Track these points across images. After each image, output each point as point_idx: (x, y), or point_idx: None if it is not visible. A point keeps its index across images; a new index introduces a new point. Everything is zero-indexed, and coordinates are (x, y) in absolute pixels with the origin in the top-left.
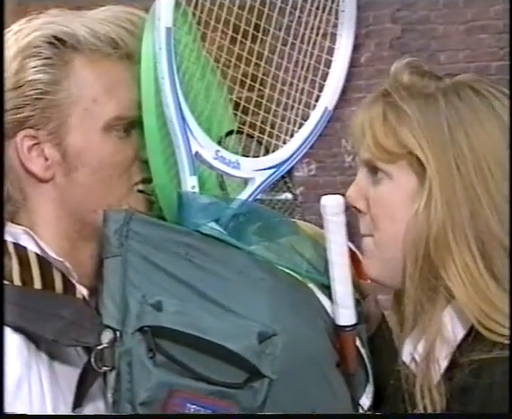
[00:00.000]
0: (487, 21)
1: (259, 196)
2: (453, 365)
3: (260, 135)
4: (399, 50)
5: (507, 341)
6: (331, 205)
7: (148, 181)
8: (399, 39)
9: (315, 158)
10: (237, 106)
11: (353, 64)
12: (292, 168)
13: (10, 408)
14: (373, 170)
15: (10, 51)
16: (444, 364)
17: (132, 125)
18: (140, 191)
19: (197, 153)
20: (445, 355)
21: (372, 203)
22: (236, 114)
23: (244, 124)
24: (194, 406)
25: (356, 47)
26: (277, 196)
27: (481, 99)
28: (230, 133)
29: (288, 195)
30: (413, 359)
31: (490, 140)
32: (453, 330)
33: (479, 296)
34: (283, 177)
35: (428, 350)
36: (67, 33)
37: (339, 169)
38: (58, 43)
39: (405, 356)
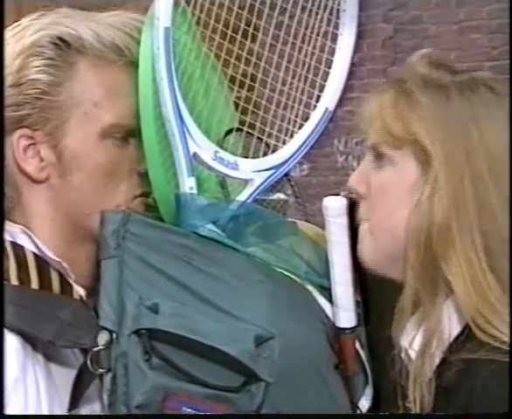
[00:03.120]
0: (480, 21)
1: (258, 196)
2: (443, 362)
3: (260, 136)
4: (391, 50)
5: (496, 343)
6: (333, 206)
7: (148, 194)
8: (391, 39)
9: (308, 158)
10: (236, 106)
11: None
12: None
13: (5, 409)
14: (378, 156)
15: (15, 47)
16: (436, 360)
17: (130, 134)
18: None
19: (195, 154)
20: (439, 352)
21: (374, 188)
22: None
23: (243, 124)
24: (190, 409)
25: None
26: (279, 197)
27: (496, 97)
28: (229, 131)
29: (282, 196)
30: (409, 352)
31: (503, 138)
32: (449, 326)
33: (477, 293)
34: (286, 176)
35: (425, 344)
36: (73, 36)
37: (331, 169)
38: (63, 44)
39: (401, 348)
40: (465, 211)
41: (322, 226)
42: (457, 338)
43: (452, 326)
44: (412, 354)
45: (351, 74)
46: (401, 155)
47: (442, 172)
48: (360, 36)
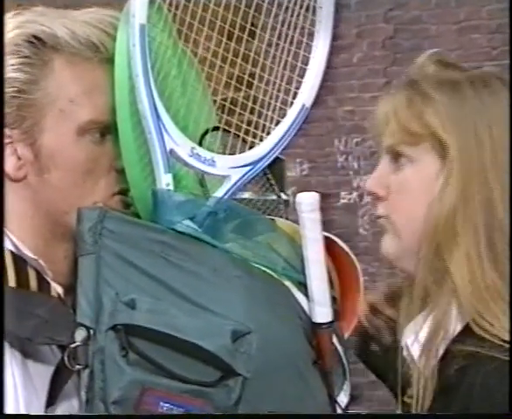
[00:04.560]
0: (480, 21)
1: (246, 196)
2: (446, 355)
3: (236, 133)
4: (392, 50)
5: (494, 340)
6: (307, 202)
7: (126, 191)
8: (392, 39)
9: (308, 158)
10: (213, 103)
11: (345, 63)
12: (283, 167)
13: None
14: (396, 157)
15: None
16: (440, 352)
17: (107, 130)
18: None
19: (171, 150)
20: (443, 344)
21: (393, 189)
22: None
23: (220, 122)
24: (167, 404)
25: (349, 47)
26: (265, 197)
27: (507, 91)
28: (206, 133)
29: (273, 196)
30: (415, 343)
31: (510, 133)
32: (454, 321)
33: (474, 290)
34: (265, 174)
35: (430, 338)
36: (48, 33)
37: (331, 169)
38: (38, 42)
39: (408, 340)
40: (471, 205)
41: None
42: (460, 332)
43: (456, 321)
44: (417, 348)
45: (351, 74)
46: (420, 152)
47: (456, 165)
48: (360, 36)
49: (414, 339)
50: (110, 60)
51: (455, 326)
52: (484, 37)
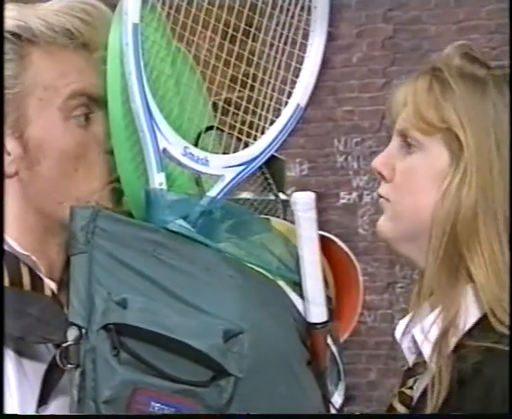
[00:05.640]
0: (479, 21)
1: (243, 196)
2: (457, 348)
3: (230, 132)
4: (391, 50)
5: None
6: (302, 201)
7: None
8: (391, 39)
9: (307, 158)
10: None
11: (345, 63)
12: (283, 167)
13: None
14: (406, 141)
15: None
16: (451, 346)
17: (90, 110)
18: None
19: (164, 149)
20: (454, 339)
21: (399, 173)
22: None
23: (214, 120)
24: (158, 404)
25: (348, 47)
26: (263, 196)
27: None
28: (200, 135)
29: (272, 196)
30: (425, 338)
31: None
32: (465, 315)
33: (498, 283)
34: (263, 174)
35: (443, 331)
36: (22, 27)
37: (331, 169)
38: (13, 37)
39: (417, 334)
40: (492, 202)
41: (321, 225)
42: (473, 326)
43: (468, 315)
44: (428, 347)
45: (351, 74)
46: (431, 142)
47: (473, 162)
48: (360, 36)
49: (424, 338)
50: (86, 45)
51: (466, 320)
52: (483, 37)
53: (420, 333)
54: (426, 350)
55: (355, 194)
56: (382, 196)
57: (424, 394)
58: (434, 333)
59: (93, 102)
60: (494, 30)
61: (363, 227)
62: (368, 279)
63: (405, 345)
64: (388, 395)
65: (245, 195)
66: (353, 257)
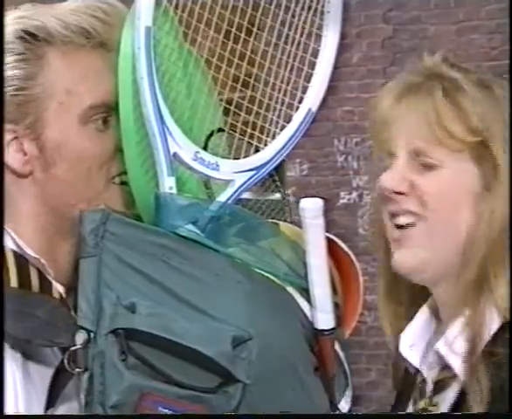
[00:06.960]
0: (479, 21)
1: (245, 196)
2: (485, 358)
3: (241, 137)
4: (391, 50)
5: None
6: (311, 208)
7: (126, 172)
8: (391, 39)
9: (308, 158)
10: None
11: (344, 64)
12: (283, 167)
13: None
14: (421, 160)
15: None
16: (479, 357)
17: (109, 114)
18: (122, 183)
19: (175, 154)
20: (480, 348)
21: (424, 188)
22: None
23: (225, 125)
24: (166, 409)
25: (348, 47)
26: (266, 196)
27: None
28: (211, 134)
29: (278, 195)
30: (451, 350)
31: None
32: (489, 323)
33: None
34: (271, 176)
35: (472, 342)
36: (38, 27)
37: (331, 169)
38: (30, 37)
39: (441, 347)
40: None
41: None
42: (496, 333)
43: (491, 322)
44: (456, 357)
45: (351, 74)
46: (455, 158)
47: (503, 174)
48: (359, 36)
49: (448, 350)
50: (103, 44)
51: (491, 327)
52: (483, 37)
53: (444, 346)
54: (455, 363)
55: (355, 194)
56: (411, 212)
57: (455, 408)
58: (461, 345)
59: (112, 107)
60: (493, 30)
61: (363, 227)
62: (368, 279)
63: (418, 359)
64: (388, 396)
65: (250, 195)
66: (353, 257)
